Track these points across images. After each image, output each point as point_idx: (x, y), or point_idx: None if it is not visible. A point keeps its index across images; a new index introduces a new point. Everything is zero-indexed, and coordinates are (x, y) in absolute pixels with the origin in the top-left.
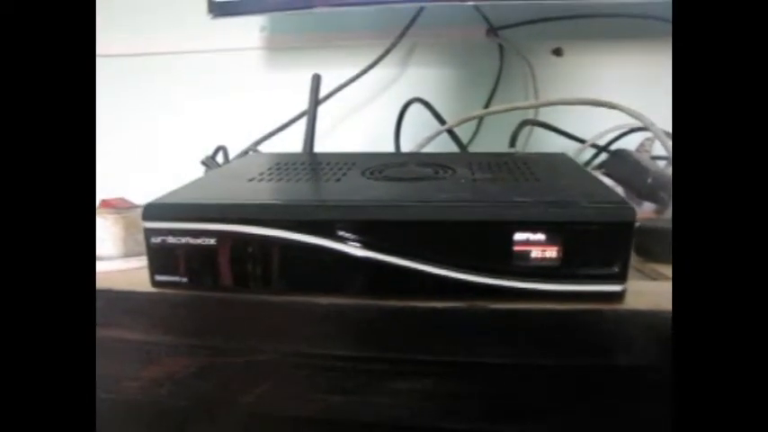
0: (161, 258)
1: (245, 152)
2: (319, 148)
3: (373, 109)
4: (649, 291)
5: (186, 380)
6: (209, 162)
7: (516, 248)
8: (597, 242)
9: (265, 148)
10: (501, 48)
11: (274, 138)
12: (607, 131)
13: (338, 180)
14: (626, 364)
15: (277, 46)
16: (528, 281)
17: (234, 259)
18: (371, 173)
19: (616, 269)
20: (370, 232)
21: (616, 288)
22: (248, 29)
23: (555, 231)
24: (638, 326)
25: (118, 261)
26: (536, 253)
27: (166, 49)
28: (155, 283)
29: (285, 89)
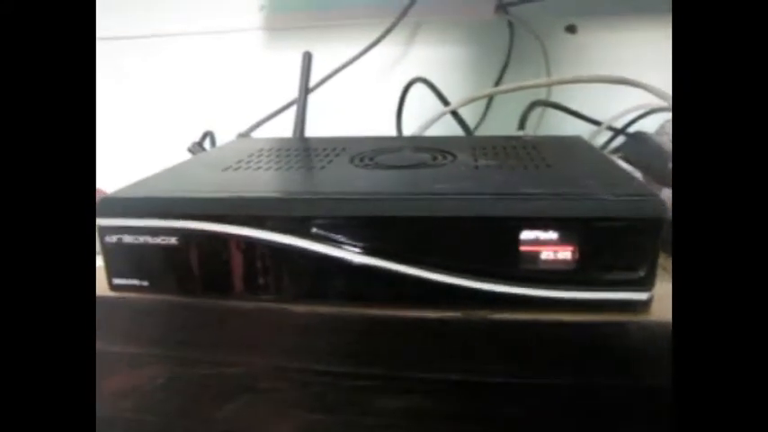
0: (118, 259)
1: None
2: (318, 133)
3: (376, 91)
4: None
5: (152, 393)
6: (194, 149)
7: (523, 249)
8: (620, 242)
9: (261, 132)
10: (511, 25)
11: (272, 122)
12: (624, 113)
13: (322, 168)
14: (651, 385)
15: (276, 26)
16: (536, 287)
17: (198, 261)
18: (361, 159)
19: (641, 273)
20: (349, 230)
21: (641, 296)
22: (247, 9)
23: (569, 229)
24: (666, 340)
25: None
26: (547, 254)
27: (162, 32)
28: (113, 287)
29: (283, 71)
